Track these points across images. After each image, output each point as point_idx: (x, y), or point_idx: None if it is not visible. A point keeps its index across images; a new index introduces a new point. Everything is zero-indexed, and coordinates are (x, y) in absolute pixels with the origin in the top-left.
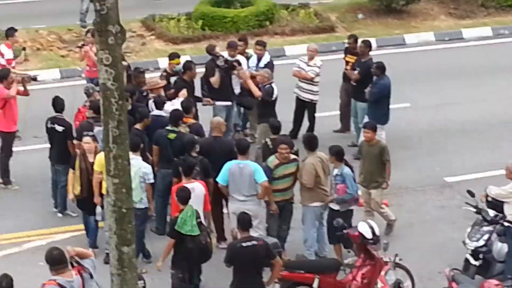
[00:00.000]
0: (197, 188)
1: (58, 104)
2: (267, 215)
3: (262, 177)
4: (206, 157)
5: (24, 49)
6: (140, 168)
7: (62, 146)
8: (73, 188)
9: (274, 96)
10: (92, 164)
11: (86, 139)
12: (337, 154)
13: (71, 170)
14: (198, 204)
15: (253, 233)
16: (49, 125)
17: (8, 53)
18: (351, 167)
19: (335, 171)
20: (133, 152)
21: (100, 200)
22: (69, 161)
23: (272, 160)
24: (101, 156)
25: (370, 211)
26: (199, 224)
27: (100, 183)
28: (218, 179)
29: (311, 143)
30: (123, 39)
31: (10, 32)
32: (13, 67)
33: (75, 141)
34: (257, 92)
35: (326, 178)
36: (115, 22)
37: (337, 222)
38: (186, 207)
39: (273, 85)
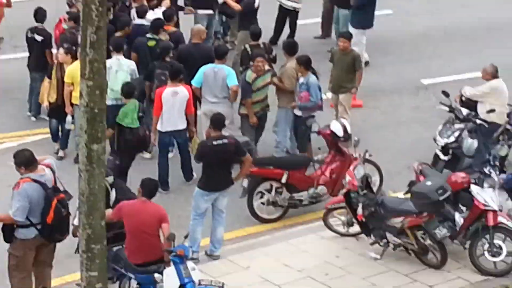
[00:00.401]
0: (180, 92)
1: (39, 14)
2: (244, 125)
3: (232, 81)
4: (185, 62)
5: None
6: (128, 65)
7: (40, 55)
8: (48, 96)
9: (256, 4)
10: None
11: (61, 50)
12: (305, 63)
13: (46, 79)
14: (181, 107)
15: (224, 132)
16: (29, 35)
17: None
18: (317, 76)
19: (301, 79)
20: (116, 52)
21: (71, 109)
22: (46, 69)
23: (250, 75)
24: (71, 68)
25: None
26: (140, 118)
27: (70, 94)
28: (192, 81)
29: (292, 48)
30: None
31: None
32: None
33: (53, 51)
34: (236, 7)
35: None
36: None
37: (310, 122)
38: (129, 101)
39: None
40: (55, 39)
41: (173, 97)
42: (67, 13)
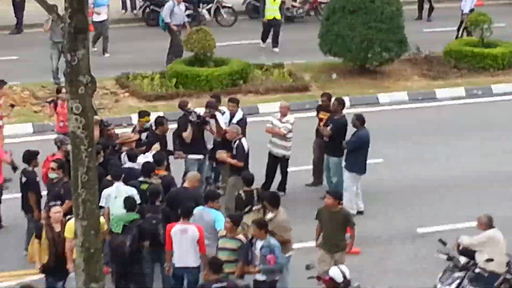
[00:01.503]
0: (190, 230)
1: (24, 156)
2: None
3: (220, 225)
4: (174, 206)
5: (12, 106)
6: (126, 191)
7: (26, 196)
8: (40, 257)
9: (246, 150)
10: (59, 233)
11: (56, 209)
12: (264, 226)
13: (35, 240)
14: (191, 245)
15: None
16: (20, 176)
17: None
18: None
19: (261, 243)
20: (116, 181)
21: (73, 266)
22: (31, 210)
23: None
24: (70, 223)
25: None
26: (125, 227)
27: (72, 250)
28: None
29: (276, 200)
30: (94, 89)
31: None
32: None
33: (42, 212)
34: (238, 164)
35: None
36: (86, 72)
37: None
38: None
39: (242, 140)
40: (42, 177)
41: (182, 235)
42: (54, 161)
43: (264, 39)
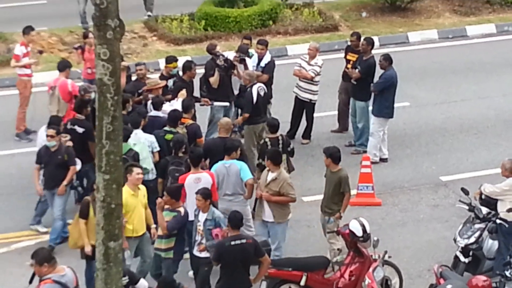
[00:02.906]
0: (203, 178)
1: (76, 105)
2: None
3: (247, 175)
4: (213, 157)
5: (41, 52)
6: (146, 138)
7: (83, 147)
8: (88, 240)
9: (255, 99)
10: None
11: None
12: (208, 196)
13: (81, 220)
14: None
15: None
16: (68, 126)
17: (18, 50)
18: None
19: (204, 215)
20: (134, 128)
21: (126, 244)
22: (92, 159)
23: None
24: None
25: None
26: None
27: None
28: None
29: (279, 158)
30: (122, 34)
31: (27, 31)
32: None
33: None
34: (243, 117)
35: None
36: (114, 16)
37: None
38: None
39: (253, 87)
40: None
41: (196, 184)
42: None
43: None
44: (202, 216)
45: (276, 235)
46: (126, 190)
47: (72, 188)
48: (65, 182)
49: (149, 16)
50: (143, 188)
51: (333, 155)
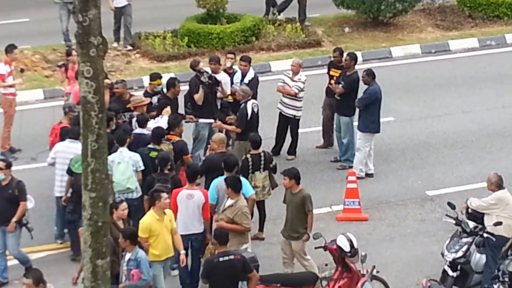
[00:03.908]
0: (196, 195)
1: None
2: None
3: (249, 191)
4: (215, 173)
5: (22, 71)
6: (130, 157)
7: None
8: None
9: (249, 115)
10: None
11: (123, 205)
12: (131, 236)
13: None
14: (195, 211)
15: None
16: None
17: (2, 69)
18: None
19: (128, 255)
20: (120, 146)
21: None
22: None
23: None
24: (145, 220)
25: (289, 262)
26: None
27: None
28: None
29: (238, 185)
30: (105, 51)
31: (9, 49)
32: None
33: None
34: (235, 130)
35: None
36: (97, 33)
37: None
38: None
39: (248, 103)
40: (50, 146)
41: (187, 200)
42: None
43: None
44: (127, 256)
45: None
46: (151, 214)
47: (21, 226)
48: (14, 219)
49: (131, 45)
50: (169, 212)
51: (296, 176)
